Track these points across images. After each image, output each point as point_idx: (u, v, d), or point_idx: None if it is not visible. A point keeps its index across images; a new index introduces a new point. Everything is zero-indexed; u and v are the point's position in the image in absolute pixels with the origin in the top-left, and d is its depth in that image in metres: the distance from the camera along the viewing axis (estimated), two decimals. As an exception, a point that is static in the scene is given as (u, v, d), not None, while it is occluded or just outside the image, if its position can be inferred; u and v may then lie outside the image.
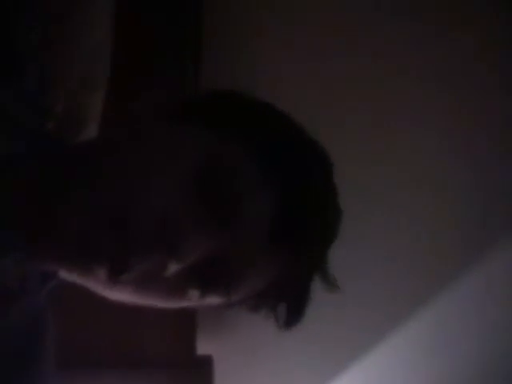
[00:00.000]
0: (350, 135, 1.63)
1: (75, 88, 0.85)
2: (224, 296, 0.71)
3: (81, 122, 0.87)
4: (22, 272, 0.77)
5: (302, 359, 1.78)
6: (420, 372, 1.88)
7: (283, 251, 0.71)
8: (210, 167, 0.68)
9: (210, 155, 0.68)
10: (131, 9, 1.31)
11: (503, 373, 1.86)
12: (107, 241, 0.64)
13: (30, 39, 0.77)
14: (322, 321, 1.44)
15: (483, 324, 1.83)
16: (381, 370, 1.89)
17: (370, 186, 1.66)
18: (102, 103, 0.91)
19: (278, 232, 0.69)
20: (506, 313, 1.80)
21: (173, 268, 0.66)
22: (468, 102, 1.66)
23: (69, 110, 0.84)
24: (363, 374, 1.87)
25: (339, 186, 0.76)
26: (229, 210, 0.67)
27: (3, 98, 0.75)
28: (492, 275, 1.78)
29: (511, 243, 1.74)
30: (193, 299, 0.70)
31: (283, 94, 1.42)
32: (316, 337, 1.64)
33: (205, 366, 1.61)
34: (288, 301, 0.76)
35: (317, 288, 0.77)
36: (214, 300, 0.71)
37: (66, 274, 0.71)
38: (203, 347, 1.61)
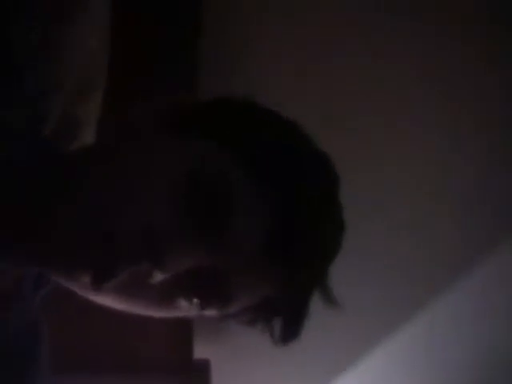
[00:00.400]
0: (349, 135, 1.63)
1: (74, 89, 0.84)
2: (214, 308, 0.70)
3: (78, 126, 0.86)
4: (17, 274, 0.77)
5: (298, 364, 1.78)
6: (416, 378, 1.89)
7: (279, 265, 0.69)
8: (197, 180, 0.67)
9: (197, 169, 0.68)
10: (130, 9, 1.30)
11: (499, 378, 1.87)
12: (93, 253, 0.64)
13: (29, 39, 0.76)
14: (318, 326, 1.43)
15: (480, 330, 1.83)
16: (376, 376, 1.89)
17: (369, 186, 1.66)
18: (99, 105, 0.90)
19: (273, 245, 0.68)
20: (503, 320, 1.81)
21: (158, 277, 0.66)
22: (468, 102, 1.66)
23: (67, 113, 0.83)
24: (359, 380, 1.87)
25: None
26: (216, 223, 0.67)
27: (2, 99, 0.75)
28: (488, 282, 1.79)
29: (510, 246, 1.75)
30: (183, 309, 0.70)
31: (283, 94, 1.43)
32: (312, 342, 1.63)
33: (202, 370, 1.62)
34: (284, 316, 0.74)
35: (314, 296, 0.75)
36: (206, 312, 0.70)
37: (56, 278, 0.71)
38: (200, 351, 1.62)
